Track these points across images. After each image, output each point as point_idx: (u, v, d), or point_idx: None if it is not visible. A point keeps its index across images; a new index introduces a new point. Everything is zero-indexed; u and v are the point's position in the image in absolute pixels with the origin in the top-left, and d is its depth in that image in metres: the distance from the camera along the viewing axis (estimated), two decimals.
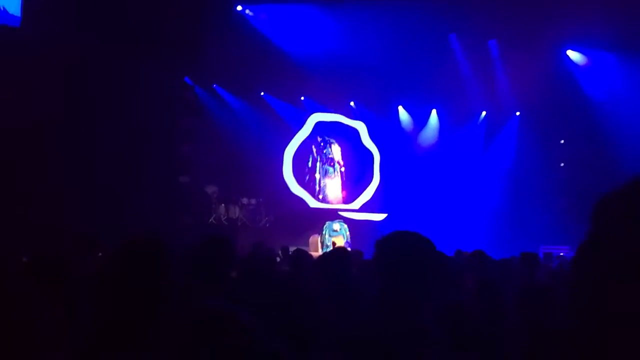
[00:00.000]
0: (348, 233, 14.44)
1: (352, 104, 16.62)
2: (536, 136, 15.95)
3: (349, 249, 8.71)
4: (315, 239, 14.38)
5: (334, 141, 16.59)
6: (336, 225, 14.59)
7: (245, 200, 15.05)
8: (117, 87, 12.37)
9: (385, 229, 2.11)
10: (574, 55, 15.68)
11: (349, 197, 16.51)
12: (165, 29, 12.40)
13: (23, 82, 11.12)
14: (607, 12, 12.31)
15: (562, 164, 16.28)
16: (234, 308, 1.53)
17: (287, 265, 6.07)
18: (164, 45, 12.58)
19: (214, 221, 14.50)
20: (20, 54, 11.12)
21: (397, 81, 15.25)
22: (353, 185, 16.62)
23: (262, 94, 15.54)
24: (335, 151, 16.58)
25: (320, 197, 16.15)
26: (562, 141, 16.20)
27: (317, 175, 16.29)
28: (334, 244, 12.58)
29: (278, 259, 7.77)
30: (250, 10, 14.44)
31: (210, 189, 14.75)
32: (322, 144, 16.45)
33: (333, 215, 15.47)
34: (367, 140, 16.66)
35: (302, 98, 16.08)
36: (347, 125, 16.58)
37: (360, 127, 16.57)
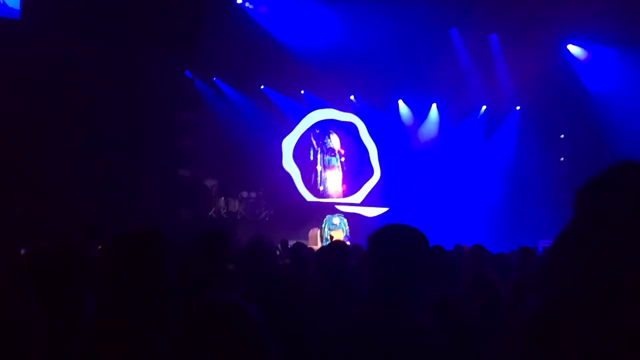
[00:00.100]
0: (347, 227, 14.47)
1: (352, 97, 16.60)
2: (536, 130, 15.95)
3: (348, 243, 8.74)
4: (314, 232, 14.41)
5: (332, 131, 16.59)
6: (336, 219, 14.61)
7: (245, 194, 15.06)
8: (117, 80, 12.35)
9: (385, 223, 2.13)
10: (574, 49, 15.67)
11: (349, 191, 16.53)
12: (165, 22, 12.37)
13: (22, 75, 11.10)
14: (608, 6, 12.28)
15: (562, 159, 16.28)
16: (242, 302, 1.54)
17: (286, 258, 6.09)
18: (164, 38, 12.56)
19: (213, 214, 14.52)
20: (19, 47, 11.10)
21: (397, 75, 15.24)
22: (353, 179, 16.63)
23: (262, 87, 15.53)
24: (335, 141, 16.59)
25: (321, 188, 16.17)
26: (562, 136, 16.20)
27: (319, 167, 16.30)
28: (331, 237, 12.61)
29: (277, 253, 7.79)
30: (250, 3, 14.40)
31: (210, 183, 14.77)
32: (320, 135, 16.46)
33: (333, 209, 15.50)
34: (365, 136, 16.66)
35: (302, 92, 16.07)
36: (344, 121, 16.60)
37: (358, 122, 16.57)
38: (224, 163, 14.63)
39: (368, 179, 16.64)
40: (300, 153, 16.12)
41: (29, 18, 11.63)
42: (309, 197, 15.90)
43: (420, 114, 17.17)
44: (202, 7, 13.04)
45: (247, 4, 14.36)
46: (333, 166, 16.45)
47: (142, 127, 12.85)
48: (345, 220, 14.68)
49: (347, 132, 16.69)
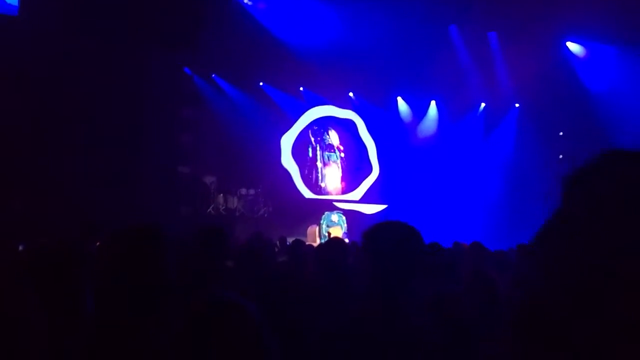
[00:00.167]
0: (346, 224, 14.48)
1: (351, 94, 16.60)
2: (535, 128, 15.95)
3: (346, 240, 8.74)
4: (313, 229, 14.41)
5: (330, 127, 16.60)
6: (334, 217, 14.61)
7: (243, 191, 15.06)
8: (115, 76, 12.33)
9: (381, 220, 2.14)
10: (573, 47, 15.67)
11: (348, 188, 16.54)
12: (164, 19, 12.35)
13: (21, 72, 11.09)
14: (607, 4, 12.29)
15: (560, 156, 16.29)
16: (241, 299, 1.54)
17: (285, 255, 6.09)
18: (163, 35, 12.54)
19: (212, 211, 14.52)
20: (17, 44, 11.07)
21: (397, 72, 15.24)
22: (352, 175, 16.64)
23: (261, 84, 15.52)
24: (333, 137, 16.59)
25: (323, 185, 16.17)
26: (561, 133, 16.19)
27: (319, 164, 16.30)
28: (329, 234, 12.62)
29: (276, 250, 7.80)
30: (249, 0, 14.38)
31: (209, 179, 14.77)
32: (319, 132, 16.47)
33: (332, 206, 15.51)
34: (364, 132, 16.67)
35: (301, 88, 16.06)
36: (343, 118, 16.60)
37: (357, 119, 16.58)
38: (223, 160, 14.62)
39: (367, 176, 16.65)
40: (299, 150, 16.13)
41: (27, 14, 11.61)
42: (307, 194, 15.91)
43: (419, 111, 17.17)
44: (201, 3, 13.02)
45: (246, 1, 14.34)
46: (332, 163, 16.46)
47: (141, 123, 12.84)
48: (344, 217, 14.69)
49: (346, 128, 16.70)
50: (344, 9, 14.05)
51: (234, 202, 14.90)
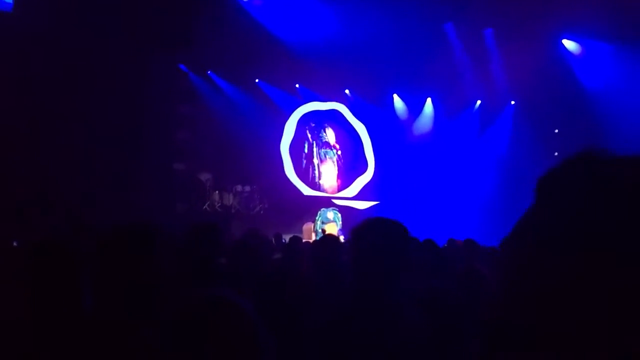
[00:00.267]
0: (341, 222, 14.50)
1: (347, 91, 16.60)
2: (531, 125, 15.99)
3: (342, 237, 8.76)
4: (309, 226, 14.43)
5: (327, 125, 16.61)
6: (330, 214, 14.63)
7: (239, 188, 15.07)
8: (111, 73, 12.30)
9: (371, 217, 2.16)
10: (569, 44, 15.70)
11: (344, 186, 16.55)
12: (159, 16, 12.32)
13: (15, 68, 11.06)
14: (602, 1, 12.32)
15: (556, 153, 16.33)
16: (235, 297, 1.55)
17: (280, 252, 6.10)
18: (159, 32, 12.51)
19: (208, 208, 14.52)
20: (12, 40, 11.04)
21: (393, 69, 15.25)
22: (347, 173, 16.65)
23: (257, 81, 15.51)
24: (330, 135, 16.60)
25: (320, 182, 16.18)
26: (557, 130, 16.24)
27: (315, 161, 16.32)
28: (323, 231, 12.63)
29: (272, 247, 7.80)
30: None
31: (205, 176, 14.76)
32: (316, 129, 16.48)
33: (328, 203, 15.52)
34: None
35: (297, 85, 16.06)
36: (334, 110, 16.60)
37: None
38: (219, 157, 14.63)
39: (362, 173, 16.67)
40: (295, 146, 16.13)
41: (22, 10, 11.57)
42: (305, 190, 15.91)
43: (415, 108, 17.19)
44: (196, 0, 13.00)
45: None
46: (329, 159, 16.47)
47: (137, 120, 12.82)
48: (339, 214, 14.70)
49: (342, 126, 16.70)
50: (340, 6, 14.04)
51: (229, 199, 14.91)
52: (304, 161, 16.19)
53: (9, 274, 2.16)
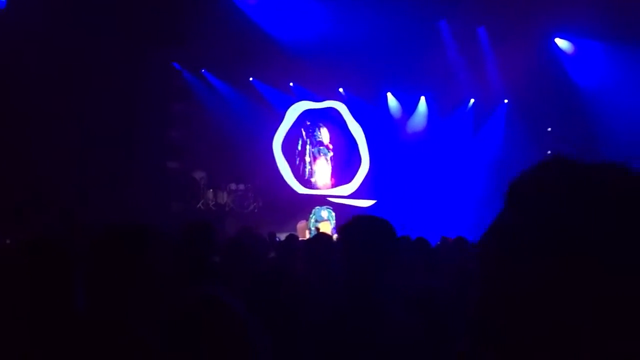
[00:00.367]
0: (335, 220, 14.50)
1: (341, 90, 16.60)
2: (524, 124, 16.03)
3: (335, 235, 8.77)
4: (303, 224, 14.44)
5: (322, 125, 16.60)
6: (324, 213, 14.64)
7: (233, 186, 15.05)
8: (104, 72, 12.27)
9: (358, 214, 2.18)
10: (562, 43, 15.74)
11: (338, 183, 16.55)
12: (153, 14, 12.29)
13: (8, 66, 11.00)
14: (595, 0, 12.38)
15: (549, 152, 16.37)
16: (227, 296, 1.57)
17: (274, 251, 6.11)
18: (152, 30, 12.48)
19: (202, 207, 14.50)
20: (5, 38, 10.99)
21: (386, 68, 15.24)
22: (341, 171, 16.65)
23: (250, 79, 15.49)
24: (324, 135, 16.60)
25: (313, 180, 16.18)
26: (550, 129, 16.29)
27: (307, 158, 16.30)
28: (317, 229, 12.63)
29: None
30: None
31: (199, 175, 14.74)
32: (311, 127, 16.47)
33: (322, 201, 15.52)
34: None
35: (291, 84, 16.05)
36: (331, 108, 16.58)
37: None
38: (213, 155, 14.61)
39: (356, 171, 16.66)
40: (289, 144, 16.12)
41: (15, 8, 11.51)
42: (300, 189, 15.91)
43: (409, 107, 17.20)
44: None
45: None
46: (322, 156, 16.46)
47: (130, 119, 12.80)
48: (333, 213, 14.71)
49: (337, 124, 16.69)
50: (334, 4, 14.02)
51: (223, 198, 14.90)
52: (297, 159, 16.18)
53: (0, 272, 2.16)
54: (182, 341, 1.46)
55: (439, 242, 6.79)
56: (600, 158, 0.67)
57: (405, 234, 4.62)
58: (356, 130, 16.70)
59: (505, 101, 16.84)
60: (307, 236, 13.09)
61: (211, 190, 14.80)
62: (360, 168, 16.67)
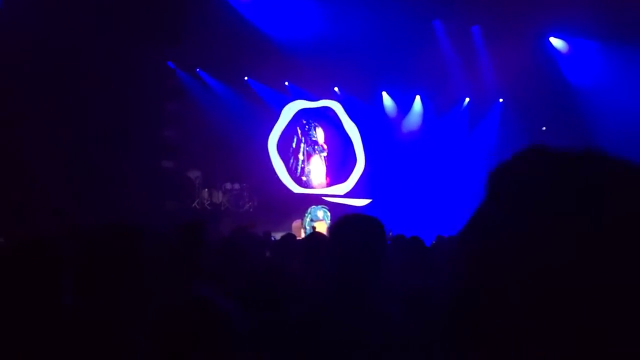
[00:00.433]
0: (330, 221, 14.50)
1: (336, 89, 16.60)
2: (518, 123, 16.06)
3: None
4: (298, 223, 14.45)
5: (317, 124, 16.61)
6: (320, 212, 14.64)
7: (228, 185, 15.04)
8: (98, 71, 12.23)
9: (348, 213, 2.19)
10: (556, 42, 15.79)
11: (333, 183, 16.56)
12: (147, 13, 12.26)
13: (2, 66, 10.96)
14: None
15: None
16: (217, 297, 1.56)
17: (269, 250, 6.09)
18: (146, 28, 12.45)
19: (197, 206, 14.49)
20: (0, 38, 10.95)
21: (381, 67, 15.26)
22: (337, 170, 16.66)
23: (246, 78, 15.47)
24: (319, 134, 16.61)
25: (304, 179, 16.18)
26: (544, 128, 16.34)
27: (301, 156, 16.30)
28: (313, 228, 12.63)
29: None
30: None
31: (194, 174, 14.72)
32: (306, 126, 16.48)
33: (317, 200, 15.52)
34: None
35: (287, 83, 16.04)
36: (327, 108, 16.58)
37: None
38: (208, 154, 14.59)
39: (352, 170, 16.68)
40: (285, 142, 16.12)
41: (9, 8, 11.47)
42: (295, 188, 15.91)
43: (404, 106, 17.22)
44: None
45: None
46: (316, 155, 16.47)
47: (125, 118, 12.75)
48: (329, 213, 14.72)
49: (332, 124, 16.70)
50: (329, 3, 14.03)
51: (219, 197, 14.88)
52: (291, 157, 16.19)
53: None
54: (167, 341, 1.45)
55: (434, 241, 6.80)
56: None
57: (401, 233, 4.62)
58: (351, 130, 16.72)
59: (500, 100, 16.88)
60: (303, 235, 13.09)
61: (206, 189, 14.79)
62: (356, 167, 16.69)
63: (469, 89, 16.58)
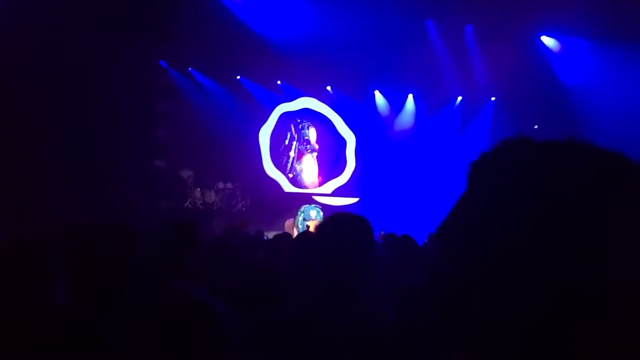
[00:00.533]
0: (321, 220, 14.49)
1: (328, 88, 16.61)
2: (511, 121, 16.11)
3: None
4: (290, 222, 14.45)
5: (310, 124, 16.61)
6: (313, 212, 14.65)
7: (221, 185, 15.01)
8: (90, 70, 12.17)
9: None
10: (548, 41, 15.86)
11: (325, 182, 16.56)
12: (139, 11, 12.21)
13: None
14: None
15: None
16: (205, 296, 1.56)
17: (261, 250, 6.10)
18: (138, 28, 12.40)
19: (189, 205, 14.46)
20: None
21: (374, 66, 15.28)
22: (329, 170, 16.66)
23: (238, 77, 15.45)
24: (312, 134, 16.61)
25: (291, 175, 16.17)
26: (536, 126, 16.39)
27: (292, 154, 16.30)
28: (307, 227, 12.64)
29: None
30: None
31: (186, 174, 14.69)
32: (300, 125, 16.48)
33: (310, 199, 15.52)
34: (342, 128, 16.71)
35: (279, 82, 16.03)
36: (318, 112, 16.60)
37: (333, 116, 16.61)
38: (200, 154, 14.55)
39: (343, 170, 16.68)
40: (278, 139, 16.10)
41: (1, 7, 11.39)
42: (286, 187, 15.91)
43: (396, 105, 17.24)
44: None
45: None
46: (308, 154, 16.47)
47: (117, 118, 12.69)
48: (321, 213, 14.72)
49: (325, 124, 16.71)
50: (321, 2, 14.03)
51: (211, 196, 14.85)
52: (283, 154, 16.18)
53: None
54: (161, 340, 1.45)
55: (426, 240, 6.82)
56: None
57: (393, 232, 4.63)
58: (347, 135, 16.75)
59: (492, 99, 16.93)
60: (295, 233, 13.09)
61: (199, 189, 14.76)
62: (347, 166, 16.70)
63: (461, 87, 16.62)
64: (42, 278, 1.91)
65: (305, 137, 16.51)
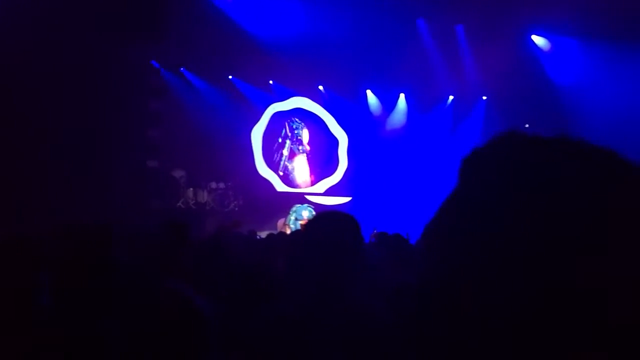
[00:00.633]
0: None
1: (320, 87, 16.60)
2: (502, 120, 16.16)
3: None
4: (282, 222, 14.45)
5: (304, 125, 16.61)
6: (305, 212, 14.64)
7: (213, 185, 14.98)
8: (81, 69, 12.12)
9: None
10: (538, 40, 15.92)
11: (317, 181, 16.57)
12: (130, 11, 12.17)
13: None
14: None
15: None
16: (190, 293, 1.56)
17: (253, 249, 6.08)
18: (130, 27, 12.35)
19: (182, 205, 14.42)
20: None
21: (366, 65, 15.30)
22: (321, 169, 16.66)
23: (230, 77, 15.42)
24: (305, 135, 16.61)
25: (282, 174, 16.16)
26: (527, 125, 16.44)
27: (285, 152, 16.29)
28: (301, 227, 12.62)
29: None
30: None
31: (178, 174, 14.64)
32: (294, 124, 16.48)
33: (303, 199, 15.52)
34: (334, 127, 16.72)
35: (271, 82, 16.01)
36: (311, 112, 16.59)
37: (325, 115, 16.61)
38: (192, 154, 14.51)
39: (335, 170, 16.69)
40: (271, 137, 16.08)
41: None
42: (278, 186, 15.90)
43: (388, 104, 17.26)
44: None
45: None
46: (300, 154, 16.47)
47: (109, 118, 12.64)
48: (314, 212, 14.72)
49: (318, 124, 16.71)
50: (312, 2, 14.03)
51: (203, 196, 14.82)
52: (275, 152, 16.17)
53: None
54: (140, 335, 1.45)
55: (419, 239, 6.81)
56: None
57: (384, 230, 4.64)
58: (339, 134, 16.75)
59: (484, 98, 16.99)
60: (288, 232, 13.08)
61: (191, 189, 14.72)
62: (340, 165, 16.71)
63: (453, 87, 16.67)
64: (27, 278, 1.90)
65: (299, 137, 16.51)
